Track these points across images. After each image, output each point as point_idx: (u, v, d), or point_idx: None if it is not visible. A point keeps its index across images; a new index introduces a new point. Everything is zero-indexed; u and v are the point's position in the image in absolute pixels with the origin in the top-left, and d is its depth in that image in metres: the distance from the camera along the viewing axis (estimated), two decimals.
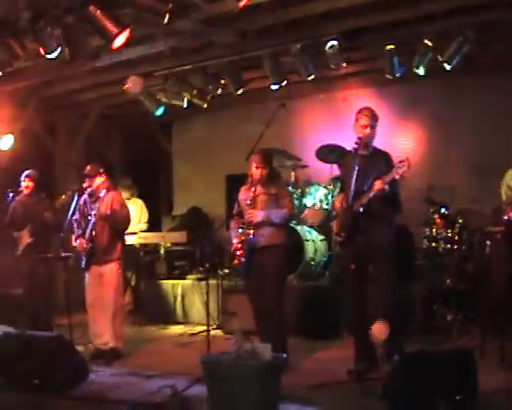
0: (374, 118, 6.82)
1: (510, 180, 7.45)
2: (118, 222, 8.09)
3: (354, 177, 6.58)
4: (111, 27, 6.73)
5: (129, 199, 10.84)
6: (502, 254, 7.11)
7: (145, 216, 11.73)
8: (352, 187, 6.63)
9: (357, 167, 6.57)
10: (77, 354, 7.03)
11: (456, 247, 8.08)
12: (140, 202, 11.75)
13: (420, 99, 10.60)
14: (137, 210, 11.55)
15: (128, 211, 8.30)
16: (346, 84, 11.01)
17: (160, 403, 5.96)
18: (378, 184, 6.47)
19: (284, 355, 5.88)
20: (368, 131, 6.73)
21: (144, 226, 11.61)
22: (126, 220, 8.23)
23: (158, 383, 6.60)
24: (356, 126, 6.81)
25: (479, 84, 10.17)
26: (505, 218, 6.98)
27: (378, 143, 6.96)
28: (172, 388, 5.97)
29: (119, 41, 6.93)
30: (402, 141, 10.47)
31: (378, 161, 6.75)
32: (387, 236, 6.80)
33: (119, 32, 6.78)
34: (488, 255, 7.28)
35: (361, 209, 6.61)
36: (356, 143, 6.67)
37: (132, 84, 9.82)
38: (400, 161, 6.40)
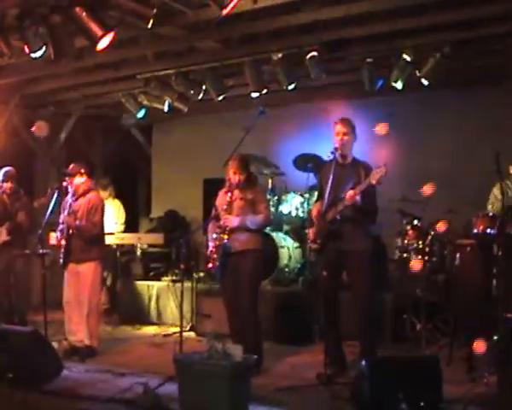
0: (351, 128, 6.91)
1: (497, 190, 7.67)
2: (83, 234, 8.11)
3: (329, 186, 6.71)
4: (96, 29, 6.79)
5: (106, 199, 10.88)
6: (471, 267, 7.24)
7: (122, 217, 11.79)
8: (326, 196, 6.77)
9: (331, 176, 6.70)
10: (51, 349, 7.09)
11: (426, 258, 8.20)
12: (118, 202, 11.81)
13: (397, 111, 10.74)
14: (115, 211, 11.61)
15: (98, 218, 8.23)
16: (326, 94, 11.10)
17: (131, 400, 6.03)
18: (349, 196, 6.57)
19: (255, 356, 5.98)
20: (344, 141, 6.83)
21: (121, 228, 11.68)
22: (91, 234, 8.15)
23: (130, 380, 6.67)
24: (334, 137, 6.94)
25: (454, 97, 10.38)
26: (475, 231, 7.12)
27: (356, 153, 7.07)
28: (144, 385, 6.07)
29: (104, 43, 7.00)
30: (378, 152, 10.59)
31: (357, 171, 6.82)
32: (363, 243, 6.88)
33: (104, 35, 6.86)
34: (458, 267, 7.40)
35: (338, 217, 6.74)
36: (332, 153, 6.83)
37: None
38: (377, 167, 6.49)
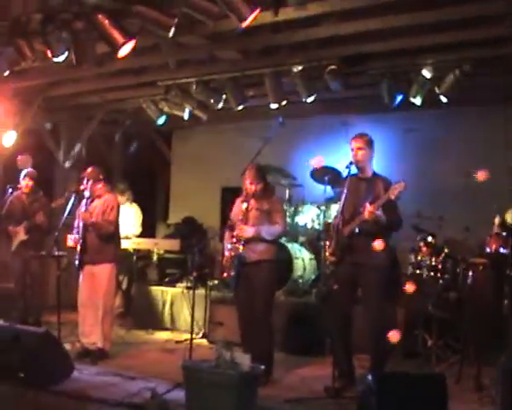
0: (367, 143, 6.90)
1: (509, 215, 7.66)
2: (99, 231, 8.15)
3: (342, 200, 6.74)
4: (118, 37, 6.86)
5: (124, 204, 10.94)
6: (483, 286, 7.25)
7: (139, 221, 11.86)
8: (342, 210, 6.79)
9: (346, 190, 6.73)
10: (62, 350, 7.17)
11: (439, 275, 8.19)
12: (135, 206, 11.89)
13: (416, 127, 10.75)
14: (132, 215, 11.69)
15: (114, 217, 8.28)
16: (345, 107, 11.13)
17: (139, 405, 6.09)
18: (368, 212, 6.55)
19: (262, 366, 6.01)
20: (358, 156, 6.85)
21: (138, 232, 11.76)
22: (107, 232, 8.21)
23: (139, 385, 6.74)
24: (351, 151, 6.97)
25: (474, 114, 10.38)
26: (488, 250, 7.14)
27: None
28: (153, 391, 6.13)
29: (125, 50, 7.08)
30: (396, 167, 10.60)
31: (375, 185, 6.84)
32: (381, 258, 6.83)
33: (125, 42, 6.94)
34: (470, 286, 7.40)
35: (356, 230, 6.75)
36: (347, 167, 6.86)
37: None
38: (396, 182, 6.50)
